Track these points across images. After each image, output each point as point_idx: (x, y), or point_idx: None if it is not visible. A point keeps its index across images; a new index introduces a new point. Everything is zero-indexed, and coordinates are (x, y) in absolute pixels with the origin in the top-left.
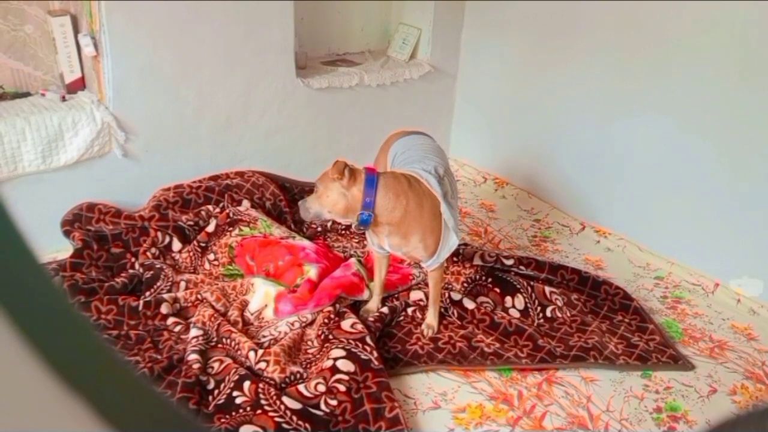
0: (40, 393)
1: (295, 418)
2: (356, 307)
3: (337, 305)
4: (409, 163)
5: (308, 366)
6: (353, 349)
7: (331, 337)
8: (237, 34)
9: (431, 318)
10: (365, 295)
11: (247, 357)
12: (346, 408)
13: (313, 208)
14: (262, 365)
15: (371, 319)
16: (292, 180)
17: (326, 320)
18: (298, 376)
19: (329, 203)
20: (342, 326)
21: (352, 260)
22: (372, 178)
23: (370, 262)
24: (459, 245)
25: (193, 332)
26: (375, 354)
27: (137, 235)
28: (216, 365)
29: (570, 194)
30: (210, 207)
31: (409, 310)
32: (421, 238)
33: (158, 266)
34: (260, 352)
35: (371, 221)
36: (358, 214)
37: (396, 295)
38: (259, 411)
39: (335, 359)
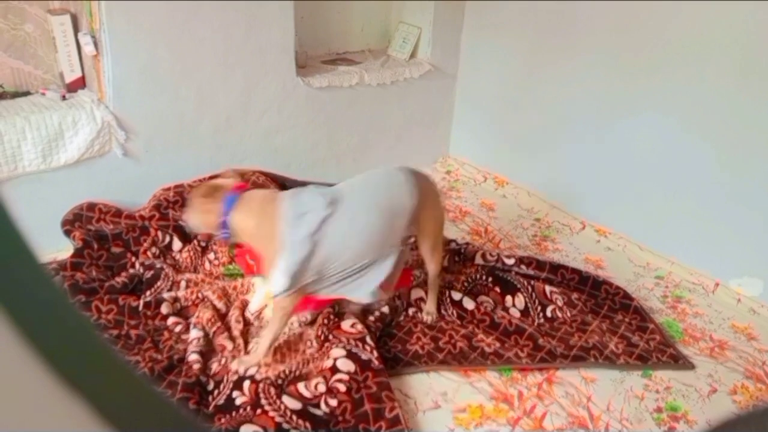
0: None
1: (295, 417)
2: None
3: (337, 305)
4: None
5: (307, 365)
6: (353, 349)
7: (331, 337)
8: (237, 34)
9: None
10: None
11: None
12: (347, 408)
13: (188, 221)
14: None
15: (371, 318)
16: (292, 180)
17: (326, 320)
18: (288, 373)
19: (192, 219)
20: (342, 326)
21: None
22: (232, 197)
23: None
24: (460, 245)
25: (194, 333)
26: (375, 354)
27: (138, 235)
28: (215, 366)
29: (570, 194)
30: None
31: (410, 310)
32: (270, 261)
33: (159, 266)
34: None
35: (230, 239)
36: (220, 232)
37: (396, 295)
38: (259, 411)
39: (335, 359)
